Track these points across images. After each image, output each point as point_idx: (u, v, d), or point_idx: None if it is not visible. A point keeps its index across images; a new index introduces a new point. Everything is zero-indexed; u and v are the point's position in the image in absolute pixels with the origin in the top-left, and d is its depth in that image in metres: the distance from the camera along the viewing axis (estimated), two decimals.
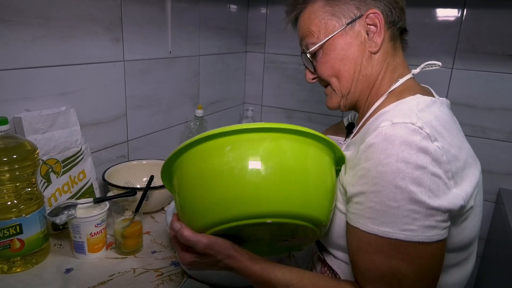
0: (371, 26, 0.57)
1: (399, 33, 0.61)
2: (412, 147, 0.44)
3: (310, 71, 0.65)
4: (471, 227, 0.52)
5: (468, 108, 1.21)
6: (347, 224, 0.51)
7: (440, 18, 1.19)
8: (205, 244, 0.49)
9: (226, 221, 0.46)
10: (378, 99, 0.59)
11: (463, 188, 0.48)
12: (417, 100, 0.51)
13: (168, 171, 0.54)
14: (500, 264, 1.06)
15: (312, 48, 0.61)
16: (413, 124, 0.45)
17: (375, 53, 0.58)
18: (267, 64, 1.52)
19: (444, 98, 0.58)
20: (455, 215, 0.48)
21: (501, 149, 1.20)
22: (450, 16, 1.18)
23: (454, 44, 1.19)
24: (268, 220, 0.45)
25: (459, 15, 1.17)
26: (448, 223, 0.47)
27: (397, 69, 0.60)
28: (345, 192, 0.52)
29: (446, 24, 1.19)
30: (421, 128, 0.45)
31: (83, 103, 0.87)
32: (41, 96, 0.78)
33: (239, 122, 1.55)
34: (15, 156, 0.63)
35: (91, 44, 0.86)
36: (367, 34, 0.58)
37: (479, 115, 1.21)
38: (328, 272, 0.60)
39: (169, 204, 0.82)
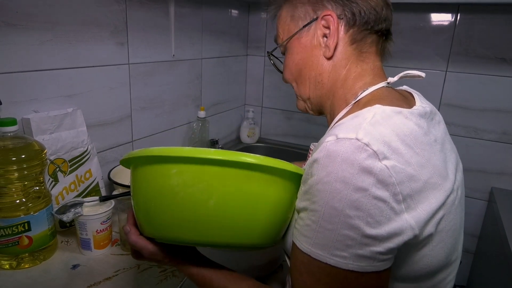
0: (327, 29, 0.52)
1: (377, 36, 0.53)
2: (353, 166, 0.39)
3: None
4: (433, 254, 0.44)
5: (461, 109, 1.23)
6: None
7: (434, 23, 1.21)
8: (150, 252, 0.50)
9: (166, 239, 0.48)
10: (341, 109, 0.53)
11: (417, 214, 0.41)
12: (373, 111, 0.44)
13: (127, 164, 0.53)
14: (492, 260, 1.07)
15: (272, 50, 0.60)
16: (358, 140, 0.40)
17: (329, 58, 0.53)
18: (267, 67, 1.53)
19: (423, 106, 0.50)
20: (408, 243, 0.42)
21: (494, 149, 1.22)
22: (444, 21, 1.20)
23: (448, 47, 1.21)
24: (206, 246, 0.48)
25: (453, 19, 1.19)
26: (389, 256, 0.41)
27: (363, 77, 0.52)
28: None
29: (440, 28, 1.21)
30: (367, 145, 0.40)
31: (90, 105, 0.88)
32: (49, 98, 0.79)
33: (241, 123, 1.57)
34: (23, 156, 0.63)
35: (97, 47, 0.88)
36: (324, 38, 0.53)
37: (472, 116, 1.23)
38: None
39: None
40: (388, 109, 0.45)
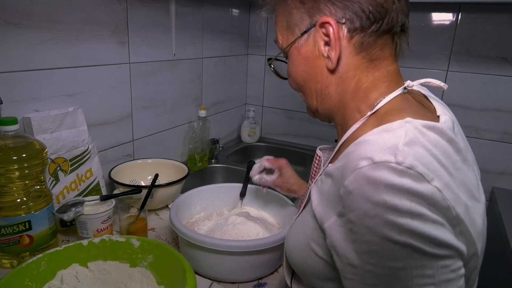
0: (327, 37, 0.45)
1: (390, 35, 0.46)
2: (401, 192, 0.35)
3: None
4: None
5: (462, 109, 1.23)
6: None
7: (436, 22, 1.21)
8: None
9: None
10: (355, 121, 0.47)
11: (466, 239, 0.38)
12: (405, 128, 0.39)
13: None
14: (492, 260, 1.08)
15: (273, 56, 0.54)
16: (399, 164, 0.35)
17: (333, 69, 0.47)
18: (267, 66, 1.54)
19: (450, 116, 0.45)
20: None
21: (495, 149, 1.22)
22: (445, 20, 1.20)
23: (449, 47, 1.21)
24: None
25: (454, 19, 1.19)
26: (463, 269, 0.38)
27: (377, 85, 0.46)
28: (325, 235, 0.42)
29: (442, 27, 1.21)
30: (410, 168, 0.35)
31: (90, 104, 0.88)
32: (50, 97, 0.80)
33: (241, 122, 1.57)
34: (24, 155, 0.63)
35: (98, 47, 0.88)
36: (326, 46, 0.46)
37: (474, 116, 1.23)
38: None
39: (173, 201, 0.84)
40: (420, 124, 0.40)
